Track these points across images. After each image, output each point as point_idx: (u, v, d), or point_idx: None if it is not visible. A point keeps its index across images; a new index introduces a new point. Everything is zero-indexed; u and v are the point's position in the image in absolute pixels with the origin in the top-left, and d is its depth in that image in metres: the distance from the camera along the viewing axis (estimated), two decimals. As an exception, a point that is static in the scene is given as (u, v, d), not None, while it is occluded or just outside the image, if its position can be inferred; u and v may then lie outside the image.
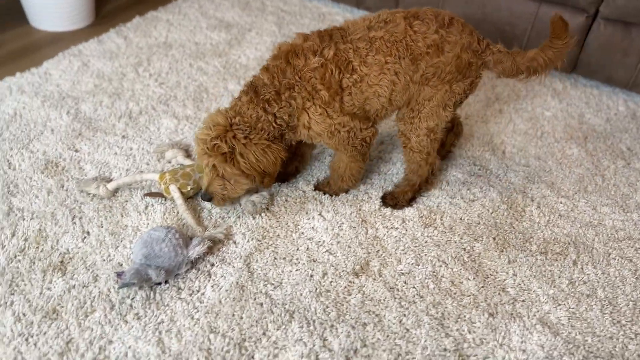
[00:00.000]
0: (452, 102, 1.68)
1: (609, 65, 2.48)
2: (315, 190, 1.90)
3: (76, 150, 1.98)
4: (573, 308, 1.57)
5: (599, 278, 1.66)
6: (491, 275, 1.65)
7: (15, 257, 1.58)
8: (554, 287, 1.62)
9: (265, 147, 1.58)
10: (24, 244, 1.62)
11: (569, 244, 1.77)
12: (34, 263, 1.57)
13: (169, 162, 1.95)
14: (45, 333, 1.39)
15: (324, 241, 1.71)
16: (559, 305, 1.57)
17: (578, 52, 2.54)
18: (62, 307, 1.46)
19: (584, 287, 1.63)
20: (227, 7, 3.07)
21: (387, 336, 1.45)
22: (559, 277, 1.65)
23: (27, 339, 1.37)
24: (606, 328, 1.52)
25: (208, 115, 1.61)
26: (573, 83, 2.61)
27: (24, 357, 1.34)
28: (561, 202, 1.92)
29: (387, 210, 1.84)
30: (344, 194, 1.88)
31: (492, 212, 1.86)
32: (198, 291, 1.53)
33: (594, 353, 1.45)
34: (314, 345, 1.41)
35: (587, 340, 1.48)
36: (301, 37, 1.64)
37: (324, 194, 1.88)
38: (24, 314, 1.43)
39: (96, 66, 2.46)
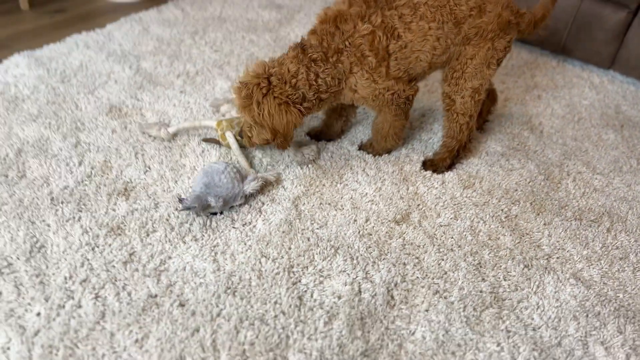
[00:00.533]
0: (495, 59, 1.77)
1: (648, 62, 2.54)
2: (359, 150, 1.99)
3: (138, 99, 2.12)
4: (606, 268, 1.63)
5: (632, 245, 1.72)
6: (527, 234, 1.72)
7: (82, 181, 1.71)
8: (588, 248, 1.68)
9: (283, 103, 1.63)
10: (91, 171, 1.75)
11: (603, 214, 1.83)
12: (99, 188, 1.69)
13: (223, 115, 2.07)
14: (110, 245, 1.51)
15: (366, 193, 1.80)
16: (592, 264, 1.63)
17: (617, 48, 2.61)
18: (125, 225, 1.57)
19: (616, 251, 1.69)
20: (278, -9, 3.22)
21: (426, 275, 1.53)
22: (593, 241, 1.71)
23: (93, 248, 1.49)
24: (638, 287, 1.57)
25: (255, 62, 1.71)
26: (610, 79, 2.67)
27: (90, 263, 1.45)
28: (596, 178, 1.98)
29: (428, 173, 1.92)
30: (386, 154, 1.98)
31: (530, 182, 1.93)
32: (250, 223, 1.63)
33: (625, 307, 1.51)
34: (356, 277, 1.50)
35: (618, 296, 1.54)
36: (346, 3, 1.70)
37: (368, 154, 1.97)
38: (90, 228, 1.55)
39: (156, 31, 2.61)
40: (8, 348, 1.24)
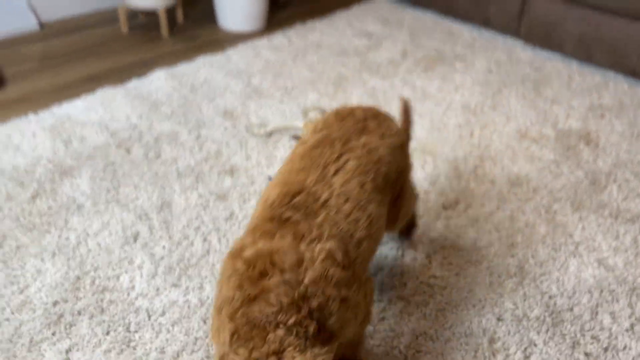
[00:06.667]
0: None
1: None
2: None
3: (246, 106, 2.65)
4: (631, 258, 1.82)
5: (664, 242, 1.88)
6: (562, 225, 1.95)
7: (200, 163, 2.24)
8: (617, 241, 1.88)
9: None
10: (207, 155, 2.28)
11: (641, 215, 2.01)
12: (212, 168, 2.21)
13: (311, 120, 2.53)
14: (217, 207, 2.00)
15: (422, 185, 2.15)
16: (618, 254, 1.83)
17: (690, 72, 2.71)
18: (229, 195, 2.07)
19: (646, 246, 1.87)
20: (370, 21, 3.69)
21: (461, 250, 1.84)
22: (624, 235, 1.91)
23: (205, 208, 1.99)
24: (659, 276, 1.75)
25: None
26: (684, 101, 2.77)
27: (202, 217, 1.95)
28: (643, 186, 2.15)
29: (480, 171, 2.22)
30: None
31: (575, 185, 2.15)
32: (322, 199, 2.05)
33: (641, 289, 1.70)
34: (401, 245, 1.85)
35: (637, 280, 1.73)
36: None
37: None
38: (203, 194, 2.06)
39: (265, 55, 3.18)
40: (141, 267, 1.75)
